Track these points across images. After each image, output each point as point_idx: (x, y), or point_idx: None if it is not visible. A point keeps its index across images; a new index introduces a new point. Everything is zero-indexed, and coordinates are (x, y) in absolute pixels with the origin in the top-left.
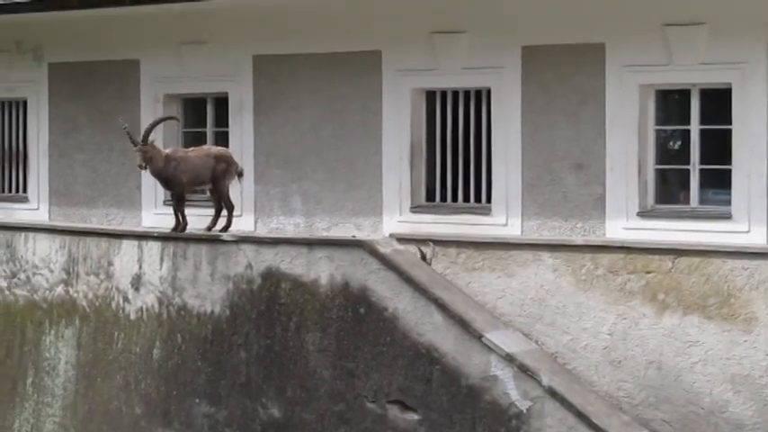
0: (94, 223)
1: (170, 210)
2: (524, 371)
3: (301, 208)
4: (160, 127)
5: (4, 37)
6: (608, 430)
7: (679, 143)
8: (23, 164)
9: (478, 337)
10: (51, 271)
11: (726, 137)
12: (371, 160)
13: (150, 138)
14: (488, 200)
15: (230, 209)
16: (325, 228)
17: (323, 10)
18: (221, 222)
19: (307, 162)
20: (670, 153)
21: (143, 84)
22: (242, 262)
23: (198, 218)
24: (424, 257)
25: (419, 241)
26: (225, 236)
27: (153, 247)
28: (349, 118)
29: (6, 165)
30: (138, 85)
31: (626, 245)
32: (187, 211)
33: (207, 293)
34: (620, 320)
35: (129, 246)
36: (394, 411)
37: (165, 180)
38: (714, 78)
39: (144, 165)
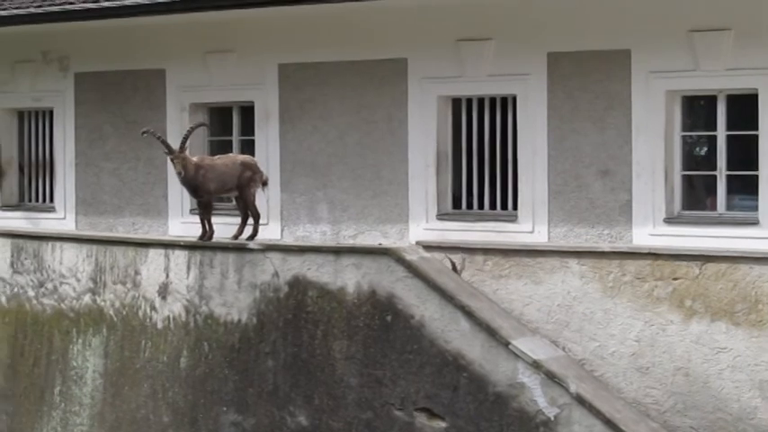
0: (121, 232)
1: (196, 218)
2: (552, 378)
3: (328, 216)
4: (177, 136)
5: (30, 47)
6: None
7: (705, 149)
8: (50, 173)
9: (506, 344)
10: (78, 280)
11: (752, 142)
12: (398, 168)
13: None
14: (515, 207)
15: (256, 217)
16: (351, 235)
17: (348, 18)
18: (247, 231)
19: (333, 170)
20: (696, 159)
21: (169, 93)
22: (269, 270)
23: (224, 226)
24: (454, 268)
25: (447, 249)
26: (251, 244)
27: (180, 256)
28: (375, 126)
29: (33, 174)
30: (164, 94)
31: (653, 251)
32: (213, 219)
33: (234, 302)
34: (647, 327)
35: (155, 254)
36: (421, 419)
37: (194, 188)
38: (740, 84)
39: (183, 172)
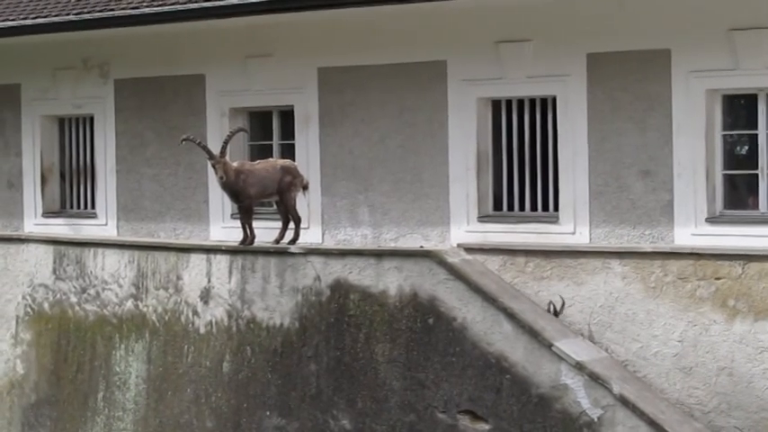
0: (162, 238)
1: (238, 223)
2: (595, 379)
3: (369, 219)
4: (217, 140)
5: (70, 54)
6: None
7: (747, 148)
8: (91, 180)
9: (548, 345)
10: (120, 286)
11: None
12: (438, 170)
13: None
14: (556, 208)
15: (297, 221)
16: (392, 238)
17: (387, 21)
18: (289, 235)
19: (373, 173)
20: (738, 158)
21: (209, 98)
22: (310, 274)
23: (265, 231)
24: (555, 312)
25: (488, 252)
26: (293, 248)
27: (221, 261)
28: (415, 129)
29: (74, 181)
30: (204, 99)
31: (695, 251)
32: (254, 224)
33: (276, 306)
34: (690, 327)
35: (197, 259)
36: (464, 421)
37: (234, 193)
38: None
39: (225, 177)
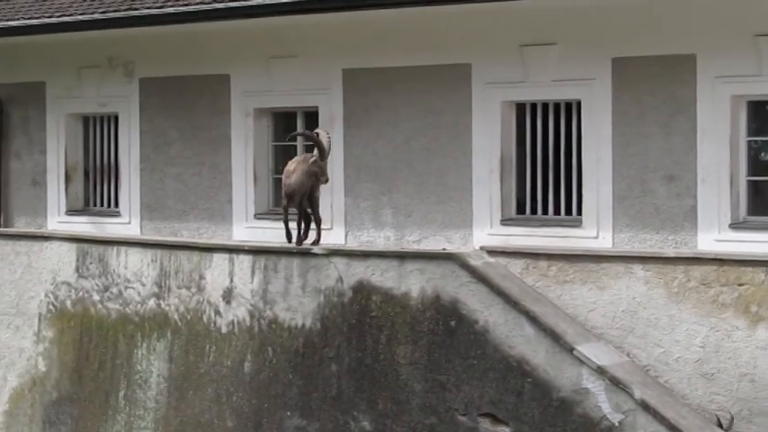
0: (185, 237)
1: (261, 223)
2: (616, 384)
3: (392, 221)
4: (242, 141)
5: (95, 53)
6: None
7: None
8: (115, 178)
9: (570, 349)
10: (143, 284)
11: None
12: (462, 173)
13: None
14: (579, 212)
15: (319, 222)
16: (415, 241)
17: (412, 23)
18: (311, 236)
19: (397, 175)
20: (762, 164)
21: (233, 98)
22: (333, 275)
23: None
24: (720, 425)
25: (511, 255)
26: (316, 249)
27: (244, 261)
28: (440, 131)
29: (98, 179)
30: (229, 99)
31: (718, 257)
32: (271, 224)
33: (298, 306)
34: (712, 333)
35: (220, 259)
36: (485, 424)
37: (304, 193)
38: None
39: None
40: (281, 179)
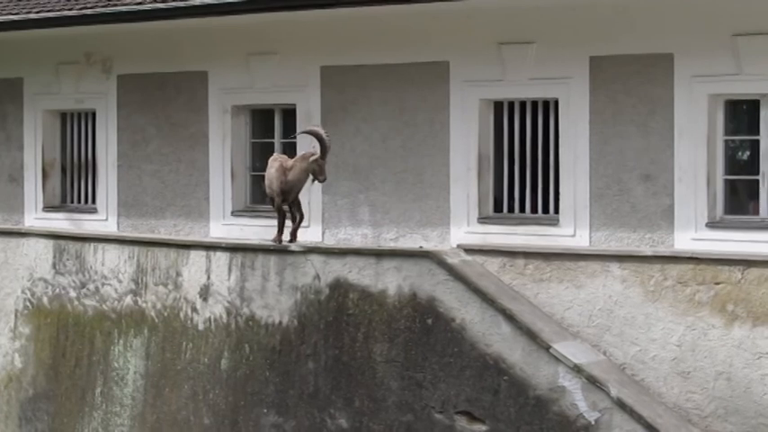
0: (163, 234)
1: (237, 221)
2: (592, 382)
3: (369, 219)
4: (219, 138)
5: (73, 49)
6: None
7: (748, 153)
8: (92, 175)
9: (546, 348)
10: (120, 281)
11: None
12: (439, 171)
13: None
14: (556, 210)
15: (302, 219)
16: (392, 238)
17: (391, 21)
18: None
19: (374, 173)
20: (739, 163)
21: (211, 95)
22: (310, 272)
23: (263, 228)
24: None
25: (488, 253)
26: (293, 246)
27: (221, 258)
28: (417, 129)
29: (75, 176)
30: (207, 96)
31: (695, 256)
32: (248, 221)
33: (275, 304)
34: (688, 331)
35: (197, 256)
36: (462, 422)
37: (298, 190)
38: None
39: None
40: (257, 176)
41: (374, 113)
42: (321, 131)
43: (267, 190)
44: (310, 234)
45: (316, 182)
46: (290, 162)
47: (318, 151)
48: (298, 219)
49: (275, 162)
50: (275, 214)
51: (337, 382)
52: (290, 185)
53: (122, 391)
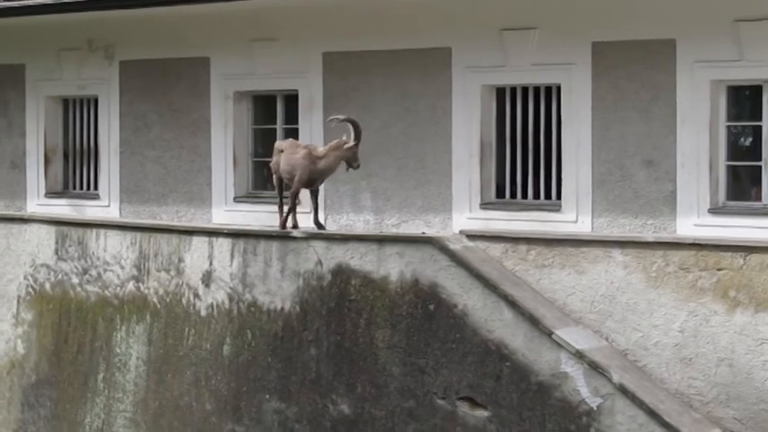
0: (165, 220)
1: (240, 207)
2: (595, 368)
3: (371, 205)
4: (221, 124)
5: (75, 35)
6: (679, 428)
7: (750, 139)
8: (94, 161)
9: (548, 333)
10: (122, 267)
11: None
12: (441, 157)
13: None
14: (558, 196)
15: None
16: (394, 224)
17: (393, 7)
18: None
19: (377, 159)
20: (741, 149)
21: (213, 81)
22: (312, 258)
23: (265, 214)
24: None
25: (491, 239)
26: (295, 232)
27: (223, 244)
28: (419, 115)
29: (78, 162)
30: (209, 82)
31: (697, 242)
32: (250, 207)
33: (277, 290)
34: (691, 318)
35: (199, 242)
36: (464, 408)
37: (319, 179)
38: None
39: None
40: (259, 162)
41: (376, 100)
42: (356, 119)
43: (284, 175)
44: (312, 220)
45: (357, 168)
46: (320, 150)
47: (351, 139)
48: (315, 205)
49: (299, 149)
50: (277, 200)
51: (339, 369)
52: (319, 173)
53: (125, 377)
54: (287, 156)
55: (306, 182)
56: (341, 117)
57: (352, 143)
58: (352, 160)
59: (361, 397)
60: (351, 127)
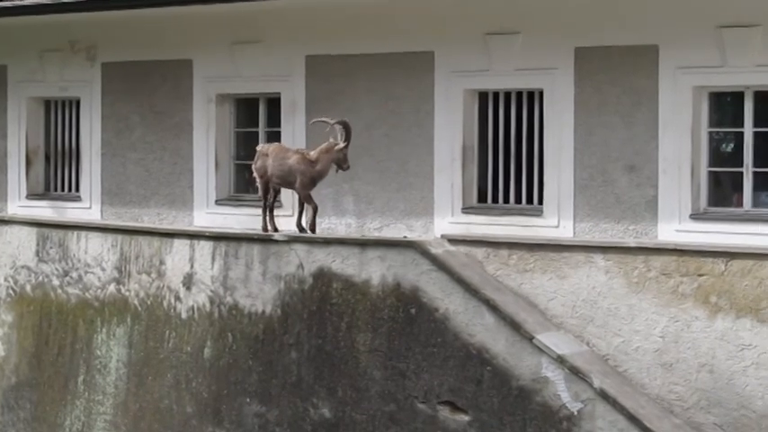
0: (146, 222)
1: (222, 209)
2: (575, 373)
3: (353, 208)
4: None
5: (57, 36)
6: None
7: (732, 145)
8: (76, 163)
9: (530, 338)
10: (103, 269)
11: None
12: (424, 161)
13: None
14: (540, 201)
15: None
16: (376, 228)
17: (376, 10)
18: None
19: (359, 162)
20: (723, 155)
21: (196, 83)
22: (293, 262)
23: (246, 217)
24: None
25: (472, 243)
26: (277, 236)
27: (205, 247)
28: (401, 118)
29: (59, 164)
30: (191, 84)
31: (678, 247)
32: (232, 210)
33: (258, 293)
34: (672, 323)
35: (180, 245)
36: (444, 412)
37: (316, 181)
38: None
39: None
40: (241, 165)
41: (359, 103)
42: (347, 121)
43: (274, 180)
44: (293, 223)
45: (346, 170)
46: (313, 154)
47: (341, 141)
48: (313, 209)
49: (290, 153)
50: (260, 203)
51: (320, 372)
52: (318, 176)
53: (105, 380)
54: (277, 160)
55: (309, 185)
56: (330, 120)
57: (342, 144)
58: (342, 162)
59: (342, 401)
60: (341, 128)
